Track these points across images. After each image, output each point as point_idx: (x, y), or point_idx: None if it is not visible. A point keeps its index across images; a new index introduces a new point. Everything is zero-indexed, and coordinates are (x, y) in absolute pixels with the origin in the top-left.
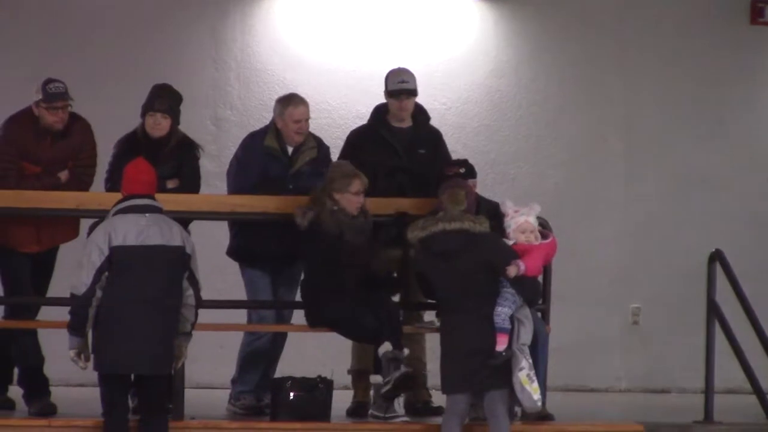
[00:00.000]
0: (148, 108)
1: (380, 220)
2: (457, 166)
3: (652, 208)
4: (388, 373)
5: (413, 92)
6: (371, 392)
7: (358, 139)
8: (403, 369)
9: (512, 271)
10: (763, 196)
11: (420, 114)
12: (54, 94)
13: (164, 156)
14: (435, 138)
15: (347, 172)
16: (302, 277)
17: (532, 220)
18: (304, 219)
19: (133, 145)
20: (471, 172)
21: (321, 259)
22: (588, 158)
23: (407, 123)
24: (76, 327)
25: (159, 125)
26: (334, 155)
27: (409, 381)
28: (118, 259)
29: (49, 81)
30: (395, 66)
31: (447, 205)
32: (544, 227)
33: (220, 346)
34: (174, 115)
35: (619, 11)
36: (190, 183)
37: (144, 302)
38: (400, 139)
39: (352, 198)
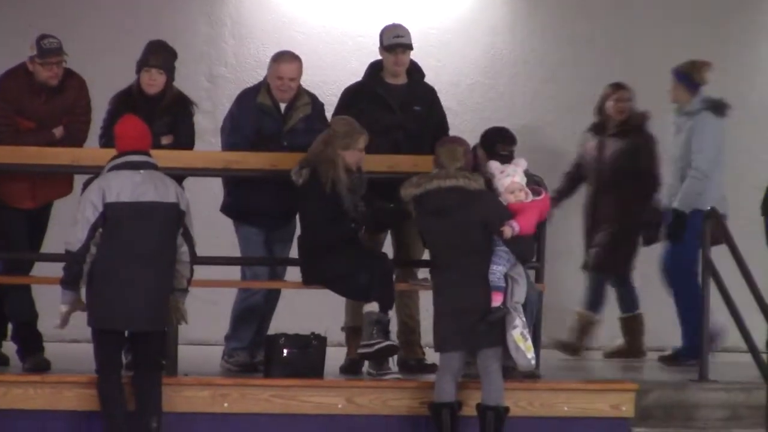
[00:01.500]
0: (143, 64)
1: (374, 177)
2: (512, 145)
3: None
4: (369, 335)
5: (409, 46)
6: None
7: (352, 96)
8: (390, 341)
9: (507, 232)
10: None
11: (415, 71)
12: (48, 50)
13: (159, 112)
14: (430, 95)
15: (355, 128)
16: (298, 233)
17: (519, 179)
18: (299, 176)
19: (128, 101)
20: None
21: (320, 216)
22: (584, 115)
23: (402, 79)
24: (68, 281)
25: (154, 81)
26: (329, 112)
27: (390, 353)
28: (113, 216)
29: (43, 37)
30: (390, 23)
31: (444, 160)
32: (539, 185)
33: (213, 302)
34: (169, 71)
35: None
36: (185, 139)
37: (138, 258)
38: (395, 95)
39: (358, 154)
